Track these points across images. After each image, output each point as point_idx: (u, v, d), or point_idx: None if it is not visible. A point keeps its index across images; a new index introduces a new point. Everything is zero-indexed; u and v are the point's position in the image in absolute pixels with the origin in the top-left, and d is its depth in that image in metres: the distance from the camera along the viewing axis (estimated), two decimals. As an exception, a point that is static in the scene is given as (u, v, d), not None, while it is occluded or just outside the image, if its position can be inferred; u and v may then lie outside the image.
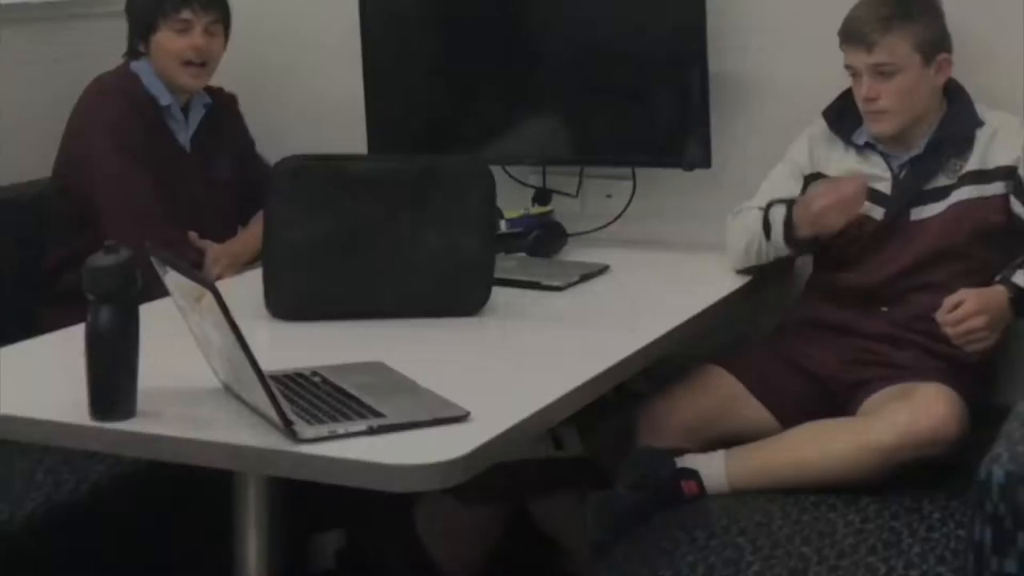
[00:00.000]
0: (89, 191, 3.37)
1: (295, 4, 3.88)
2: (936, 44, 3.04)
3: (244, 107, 3.78)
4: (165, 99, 3.47)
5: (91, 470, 2.85)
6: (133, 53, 3.51)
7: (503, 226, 3.39)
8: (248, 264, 3.39)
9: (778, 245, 3.09)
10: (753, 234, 3.13)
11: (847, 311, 3.10)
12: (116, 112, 3.41)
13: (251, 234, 3.44)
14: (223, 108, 3.65)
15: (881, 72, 3.02)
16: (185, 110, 3.54)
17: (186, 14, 3.42)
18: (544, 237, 3.44)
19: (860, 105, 3.09)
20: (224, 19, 3.52)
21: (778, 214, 3.08)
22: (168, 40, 3.42)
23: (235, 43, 3.64)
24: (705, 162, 3.42)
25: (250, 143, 3.74)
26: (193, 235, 3.42)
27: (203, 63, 3.47)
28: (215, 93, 3.63)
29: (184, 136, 3.53)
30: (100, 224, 3.30)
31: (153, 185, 3.37)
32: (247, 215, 3.58)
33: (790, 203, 3.08)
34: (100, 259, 2.20)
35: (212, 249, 3.42)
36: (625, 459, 2.97)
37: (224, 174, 3.59)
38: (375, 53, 3.63)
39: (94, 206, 3.35)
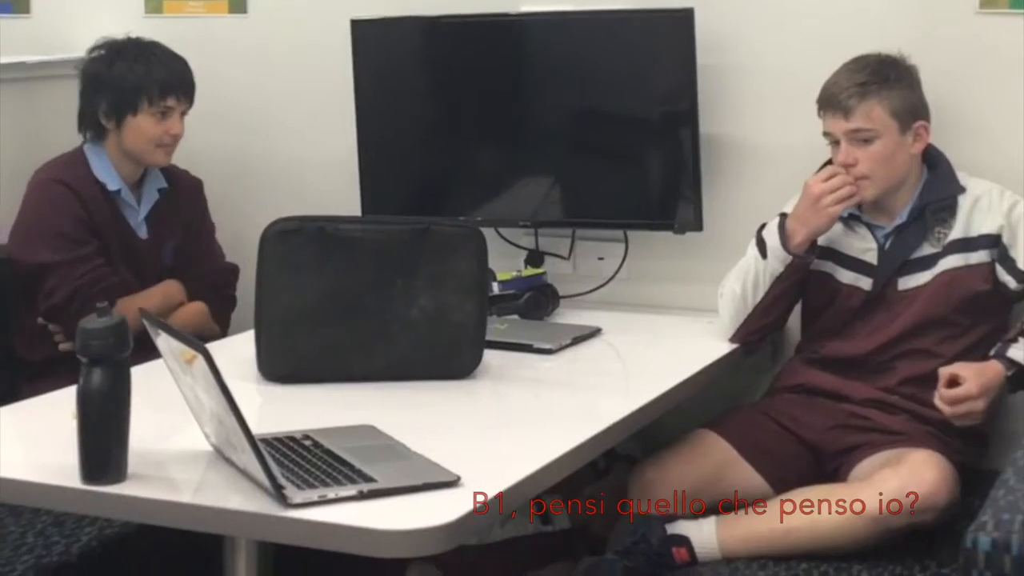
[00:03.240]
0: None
1: (289, 66, 3.90)
2: (913, 112, 3.05)
3: (233, 170, 3.79)
4: (114, 184, 3.45)
5: (81, 533, 2.83)
6: (96, 130, 3.48)
7: (495, 288, 3.39)
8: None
9: (775, 258, 3.06)
10: (748, 265, 3.13)
11: (835, 377, 3.11)
12: (60, 217, 3.40)
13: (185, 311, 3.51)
14: (182, 193, 3.62)
15: (858, 138, 3.03)
16: (137, 193, 3.52)
17: (171, 101, 3.45)
18: (536, 299, 3.44)
19: None
20: (191, 107, 3.55)
21: (772, 227, 3.09)
22: (148, 123, 3.43)
23: (229, 107, 3.64)
24: (697, 225, 3.44)
25: (209, 230, 3.69)
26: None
27: (174, 145, 3.50)
28: (178, 177, 3.61)
29: (136, 220, 3.50)
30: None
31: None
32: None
33: (783, 215, 3.10)
34: (92, 321, 2.20)
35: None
36: (615, 525, 2.96)
37: (170, 260, 3.58)
38: (368, 115, 3.65)
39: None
